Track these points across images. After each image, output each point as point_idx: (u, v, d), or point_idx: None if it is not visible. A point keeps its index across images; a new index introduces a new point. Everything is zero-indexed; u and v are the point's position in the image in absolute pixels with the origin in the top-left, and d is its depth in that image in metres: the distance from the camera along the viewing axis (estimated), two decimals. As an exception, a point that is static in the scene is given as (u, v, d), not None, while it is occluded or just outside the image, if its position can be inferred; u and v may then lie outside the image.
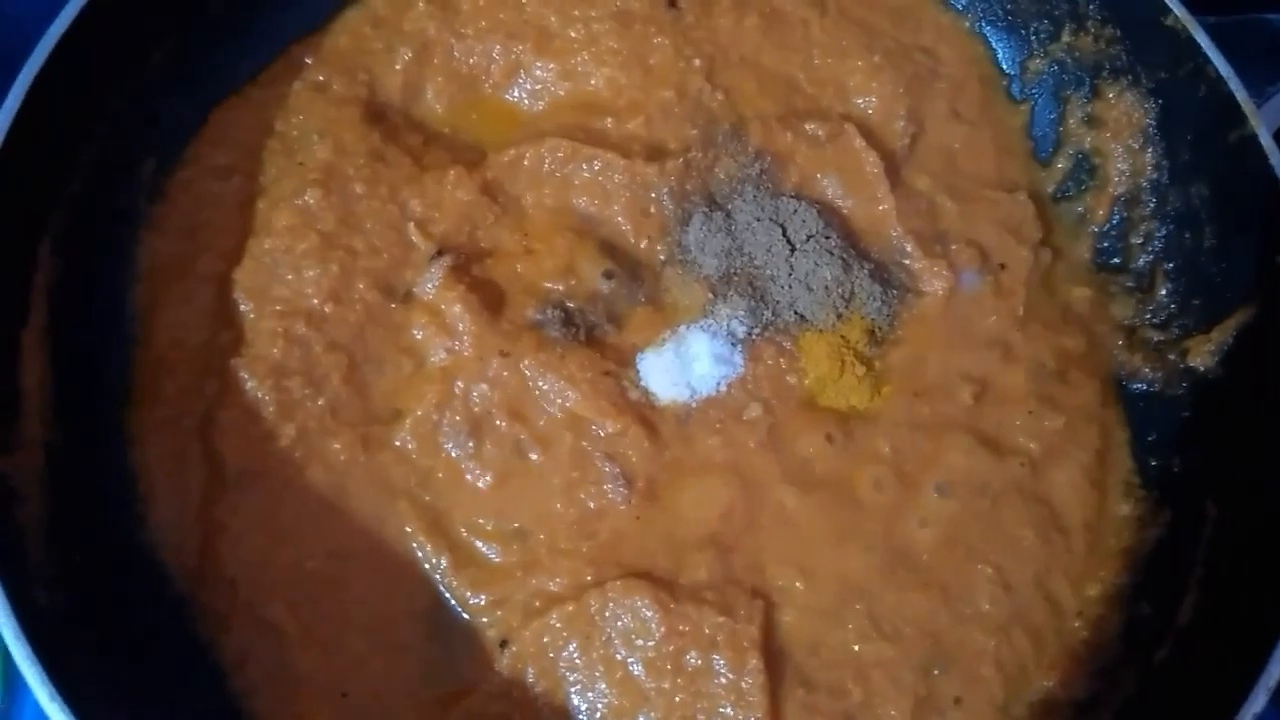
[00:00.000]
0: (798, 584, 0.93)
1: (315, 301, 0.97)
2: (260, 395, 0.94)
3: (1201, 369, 1.02)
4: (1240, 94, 1.00)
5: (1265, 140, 0.99)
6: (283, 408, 0.94)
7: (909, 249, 1.06)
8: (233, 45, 1.08)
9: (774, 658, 0.90)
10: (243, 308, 0.97)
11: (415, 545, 0.93)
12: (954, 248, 1.08)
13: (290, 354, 0.95)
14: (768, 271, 1.03)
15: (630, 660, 0.89)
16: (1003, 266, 1.07)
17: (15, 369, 0.86)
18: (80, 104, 0.94)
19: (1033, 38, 1.17)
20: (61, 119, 0.92)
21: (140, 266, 0.99)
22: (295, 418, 0.94)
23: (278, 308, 0.97)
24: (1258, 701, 0.78)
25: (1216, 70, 1.01)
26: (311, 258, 0.98)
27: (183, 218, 1.02)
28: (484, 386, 0.96)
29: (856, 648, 0.92)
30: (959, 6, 1.21)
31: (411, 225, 1.02)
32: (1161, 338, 1.06)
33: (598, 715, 0.88)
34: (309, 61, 1.10)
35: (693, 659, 0.89)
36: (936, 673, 0.92)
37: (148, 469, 0.93)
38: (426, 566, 0.93)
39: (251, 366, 0.94)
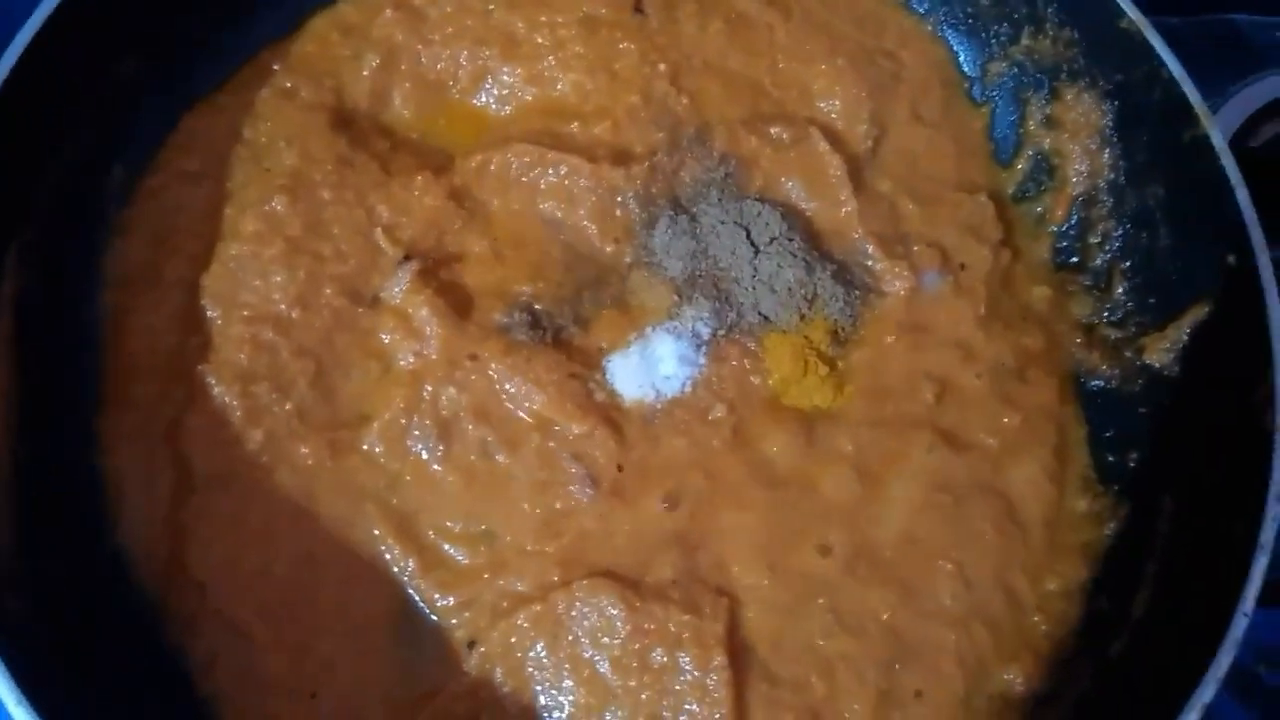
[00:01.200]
0: (762, 581, 0.94)
1: (283, 307, 0.98)
2: (228, 401, 0.94)
3: (1157, 366, 1.04)
4: (1194, 96, 1.01)
5: (1217, 141, 1.00)
6: (250, 413, 0.95)
7: (871, 250, 1.08)
8: (201, 52, 1.08)
9: (738, 654, 0.91)
10: (210, 313, 0.97)
11: (384, 548, 0.94)
12: (916, 249, 1.09)
13: (258, 359, 0.96)
14: (732, 274, 1.04)
15: (597, 658, 0.90)
16: (963, 266, 1.09)
17: (-19, 378, 0.87)
18: (50, 110, 0.95)
19: (993, 41, 1.19)
20: (31, 125, 0.92)
21: (108, 273, 1.00)
22: (263, 423, 0.95)
23: (245, 313, 0.97)
24: (1207, 692, 0.80)
25: (1170, 72, 1.02)
26: (279, 263, 0.99)
27: (151, 224, 1.02)
28: (452, 390, 0.97)
29: (820, 643, 0.93)
30: (921, 10, 1.22)
31: (379, 231, 1.03)
32: (1119, 335, 1.08)
33: (565, 714, 0.89)
34: (277, 68, 1.10)
35: (658, 656, 0.90)
36: (898, 667, 0.93)
37: (116, 474, 0.93)
38: (395, 569, 0.93)
39: (219, 372, 0.95)
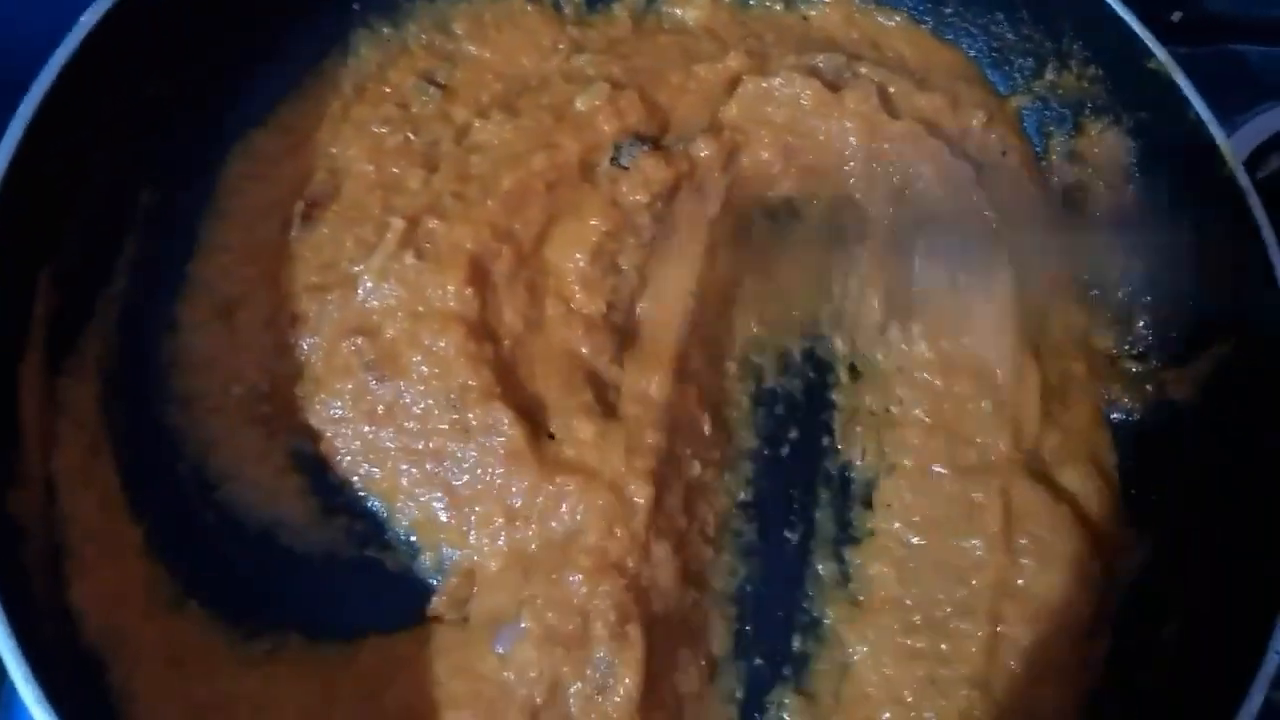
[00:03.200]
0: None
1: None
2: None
3: (1179, 401, 1.05)
4: (1219, 136, 1.03)
5: (1242, 180, 1.02)
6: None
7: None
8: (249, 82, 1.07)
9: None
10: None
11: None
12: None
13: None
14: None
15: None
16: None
17: (14, 403, 0.85)
18: (81, 136, 0.93)
19: (1017, 74, 1.20)
20: (63, 153, 0.90)
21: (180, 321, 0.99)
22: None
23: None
24: (1240, 728, 0.81)
25: (1196, 113, 1.04)
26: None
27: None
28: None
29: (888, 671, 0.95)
30: (948, 37, 1.23)
31: None
32: (1140, 369, 1.09)
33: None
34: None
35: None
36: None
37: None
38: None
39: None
